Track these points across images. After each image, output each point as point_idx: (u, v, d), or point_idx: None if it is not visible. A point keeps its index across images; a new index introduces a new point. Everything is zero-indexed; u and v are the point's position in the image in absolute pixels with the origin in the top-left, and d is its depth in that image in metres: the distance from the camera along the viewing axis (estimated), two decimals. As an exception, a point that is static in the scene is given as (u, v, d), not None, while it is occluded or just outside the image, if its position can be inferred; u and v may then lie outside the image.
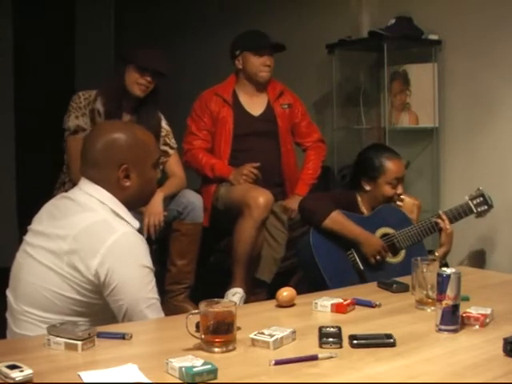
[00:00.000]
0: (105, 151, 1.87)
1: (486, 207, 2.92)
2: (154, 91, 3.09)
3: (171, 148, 3.22)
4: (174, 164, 3.21)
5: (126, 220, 1.87)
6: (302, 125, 3.60)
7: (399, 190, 2.94)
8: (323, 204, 2.82)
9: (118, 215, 1.85)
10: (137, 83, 3.01)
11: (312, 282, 2.78)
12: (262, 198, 3.14)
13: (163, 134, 3.19)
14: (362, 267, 2.82)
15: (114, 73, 3.17)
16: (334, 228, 2.79)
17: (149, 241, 2.78)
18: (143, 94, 3.04)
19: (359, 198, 2.97)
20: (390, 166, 2.90)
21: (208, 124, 3.44)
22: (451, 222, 2.90)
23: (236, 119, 3.43)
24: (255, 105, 3.50)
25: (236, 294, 3.10)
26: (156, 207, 2.89)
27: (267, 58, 3.41)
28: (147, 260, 1.84)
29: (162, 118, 3.22)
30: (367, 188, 2.93)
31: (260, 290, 3.32)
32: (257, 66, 3.41)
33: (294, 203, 3.42)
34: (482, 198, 2.92)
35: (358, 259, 2.83)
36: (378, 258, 2.80)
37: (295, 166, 3.60)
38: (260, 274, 3.33)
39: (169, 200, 3.05)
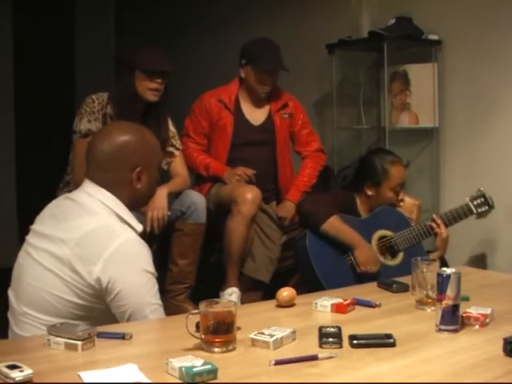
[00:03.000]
0: (117, 154, 1.87)
1: (486, 208, 2.91)
2: (164, 94, 3.07)
3: (176, 149, 3.21)
4: (178, 164, 3.20)
5: (128, 223, 1.87)
6: (301, 134, 3.55)
7: (400, 195, 2.94)
8: (322, 208, 2.81)
9: (121, 218, 1.85)
10: (149, 89, 2.98)
11: (309, 285, 2.76)
12: (249, 193, 3.14)
13: (170, 135, 3.18)
14: (359, 270, 2.81)
15: (114, 74, 3.12)
16: (332, 233, 2.79)
17: (151, 237, 2.78)
18: (157, 98, 3.01)
19: (358, 201, 2.97)
20: (394, 172, 2.91)
21: (206, 128, 3.43)
22: (450, 223, 2.89)
23: (236, 128, 3.41)
24: (256, 114, 3.47)
25: (233, 293, 3.10)
26: (160, 202, 2.88)
27: (267, 77, 3.35)
28: (150, 265, 1.83)
29: (169, 120, 3.22)
30: (369, 193, 2.93)
31: (258, 291, 3.32)
32: (256, 82, 3.37)
33: (285, 211, 3.44)
34: (482, 199, 2.90)
35: (355, 262, 2.83)
36: (368, 268, 2.79)
37: (292, 176, 3.58)
38: (257, 275, 3.33)
39: (172, 200, 3.04)
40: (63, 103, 3.17)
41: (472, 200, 2.90)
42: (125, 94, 3.00)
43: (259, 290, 3.33)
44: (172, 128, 3.22)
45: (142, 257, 1.82)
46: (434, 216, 2.91)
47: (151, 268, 1.83)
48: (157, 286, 1.84)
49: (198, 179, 3.48)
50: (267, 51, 3.37)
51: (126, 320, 1.78)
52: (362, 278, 2.76)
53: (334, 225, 2.79)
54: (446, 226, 2.88)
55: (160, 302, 1.85)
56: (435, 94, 3.68)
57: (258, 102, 3.47)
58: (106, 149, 1.88)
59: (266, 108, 3.49)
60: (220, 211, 3.27)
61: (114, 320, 1.79)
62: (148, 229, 2.83)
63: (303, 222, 2.97)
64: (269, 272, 3.36)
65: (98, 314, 1.79)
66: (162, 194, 2.89)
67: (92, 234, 1.78)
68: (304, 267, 2.87)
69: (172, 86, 3.12)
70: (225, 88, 3.49)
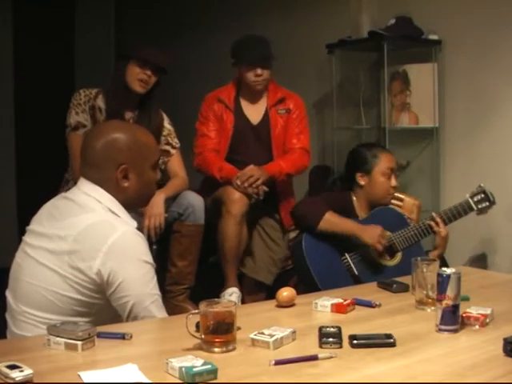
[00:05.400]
0: (104, 151, 1.87)
1: (487, 203, 2.88)
2: (155, 88, 3.07)
3: (173, 147, 3.20)
4: (175, 164, 3.19)
5: (124, 220, 1.87)
6: (293, 127, 3.41)
7: (393, 182, 2.92)
8: (315, 207, 2.80)
9: (116, 215, 1.86)
10: (137, 79, 2.99)
11: (306, 287, 2.75)
12: (236, 192, 3.12)
13: (165, 133, 3.17)
14: (356, 272, 2.81)
15: (114, 72, 3.14)
16: (330, 229, 2.77)
17: (149, 242, 2.78)
18: (144, 90, 3.02)
19: (354, 199, 2.95)
20: (383, 156, 2.92)
21: (216, 124, 3.39)
22: (450, 221, 2.87)
23: (236, 126, 3.38)
24: (255, 112, 3.44)
25: (233, 293, 3.10)
26: (157, 208, 2.87)
27: (259, 70, 3.29)
28: (148, 257, 1.85)
29: (165, 117, 3.21)
30: (362, 183, 2.92)
31: (260, 292, 3.31)
32: (249, 78, 3.33)
33: (256, 170, 3.20)
34: (483, 195, 2.88)
35: (352, 264, 2.82)
36: (383, 242, 2.76)
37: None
38: (257, 275, 3.32)
39: (170, 201, 3.04)
40: (63, 102, 3.17)
41: (472, 196, 2.87)
42: (116, 85, 3.02)
43: (262, 292, 3.32)
44: (168, 126, 3.21)
45: (140, 248, 1.84)
46: (434, 214, 2.89)
47: (149, 258, 1.85)
48: (155, 277, 1.86)
49: (202, 187, 3.42)
50: (250, 46, 3.34)
51: (128, 312, 1.79)
52: (359, 281, 2.75)
53: (331, 220, 2.77)
54: (446, 223, 2.87)
55: (159, 292, 1.87)
56: (435, 93, 3.68)
57: (255, 99, 3.44)
58: (96, 146, 1.89)
59: (264, 104, 3.44)
60: (213, 215, 3.24)
61: (113, 316, 1.81)
62: (145, 237, 2.82)
63: (299, 225, 2.96)
64: (271, 273, 3.34)
65: (98, 310, 1.80)
66: (158, 200, 2.88)
67: (90, 228, 1.79)
68: (301, 270, 2.86)
69: (162, 83, 3.11)
70: (224, 88, 3.47)
